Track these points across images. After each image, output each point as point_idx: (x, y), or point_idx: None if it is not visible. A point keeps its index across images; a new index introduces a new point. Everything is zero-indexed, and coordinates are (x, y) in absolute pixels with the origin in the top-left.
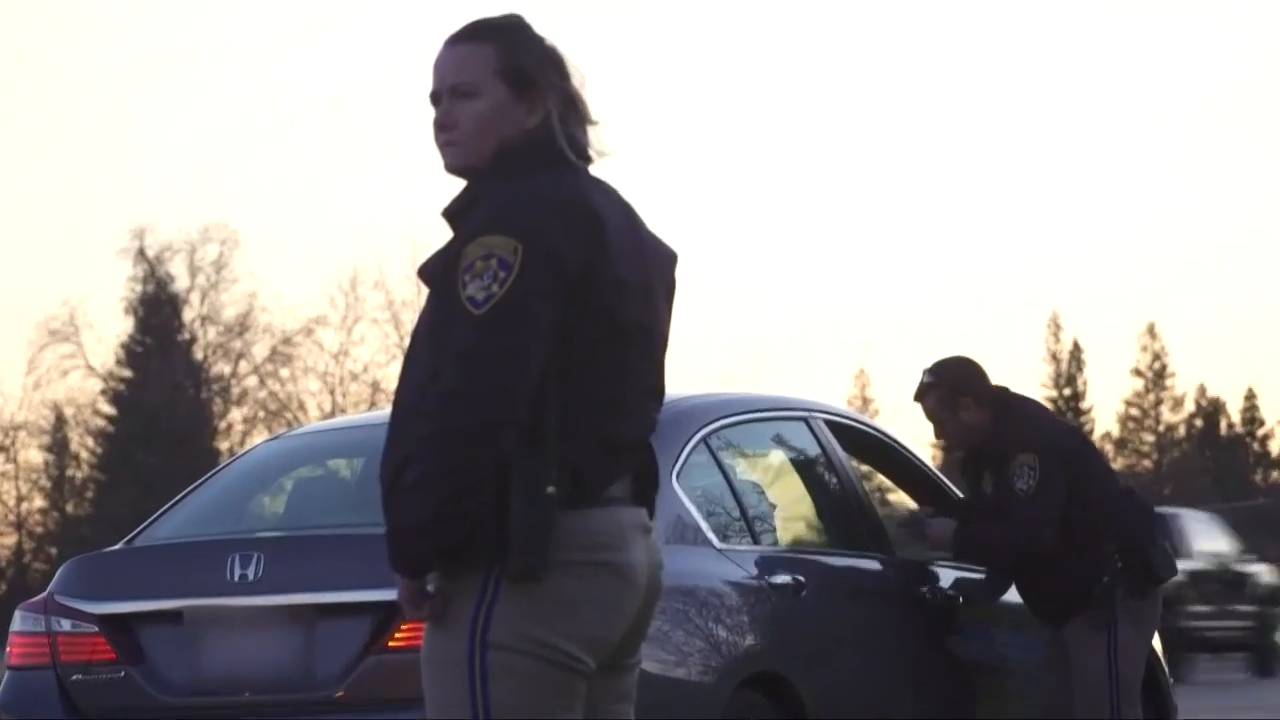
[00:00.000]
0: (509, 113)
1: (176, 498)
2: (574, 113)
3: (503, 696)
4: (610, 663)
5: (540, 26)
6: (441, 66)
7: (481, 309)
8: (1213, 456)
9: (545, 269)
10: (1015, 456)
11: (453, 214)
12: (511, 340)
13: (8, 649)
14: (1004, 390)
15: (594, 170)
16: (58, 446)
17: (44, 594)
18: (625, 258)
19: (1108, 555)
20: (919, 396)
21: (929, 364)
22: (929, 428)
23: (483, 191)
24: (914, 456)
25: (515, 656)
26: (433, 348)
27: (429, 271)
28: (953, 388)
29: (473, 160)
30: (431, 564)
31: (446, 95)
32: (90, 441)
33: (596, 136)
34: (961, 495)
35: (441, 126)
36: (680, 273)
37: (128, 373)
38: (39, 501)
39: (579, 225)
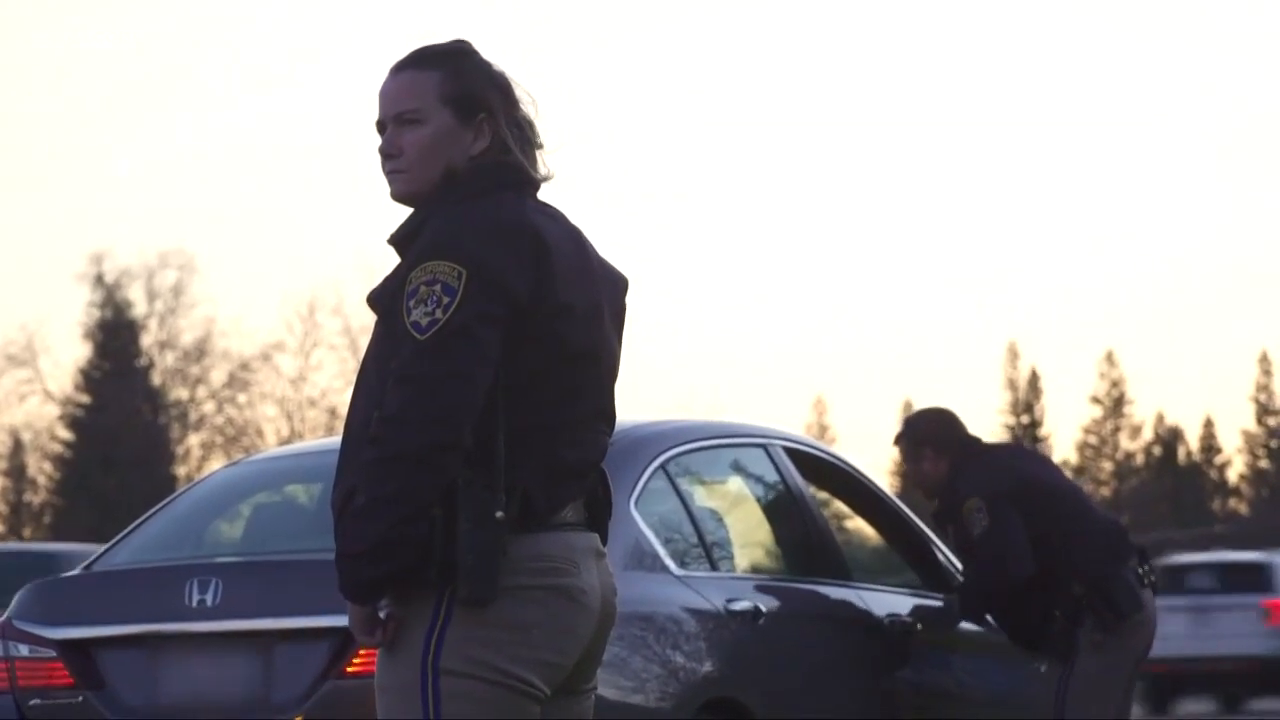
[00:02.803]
0: (454, 139)
1: (135, 523)
2: (521, 137)
3: None
4: (566, 688)
5: (491, 49)
6: (386, 94)
7: (425, 334)
8: (1171, 484)
9: (489, 294)
10: (964, 505)
11: (399, 240)
12: (455, 365)
13: None
14: (974, 442)
15: (542, 195)
16: (15, 472)
17: (1, 619)
18: (572, 282)
19: (1071, 594)
20: (895, 442)
21: (910, 413)
22: (886, 455)
23: (428, 217)
24: (872, 484)
25: (468, 681)
26: (380, 374)
27: (377, 298)
28: (915, 438)
29: (418, 187)
30: (381, 590)
31: (391, 123)
32: (48, 466)
33: (544, 161)
34: (922, 528)
35: (387, 155)
36: (632, 298)
37: (85, 398)
38: None
39: (524, 250)
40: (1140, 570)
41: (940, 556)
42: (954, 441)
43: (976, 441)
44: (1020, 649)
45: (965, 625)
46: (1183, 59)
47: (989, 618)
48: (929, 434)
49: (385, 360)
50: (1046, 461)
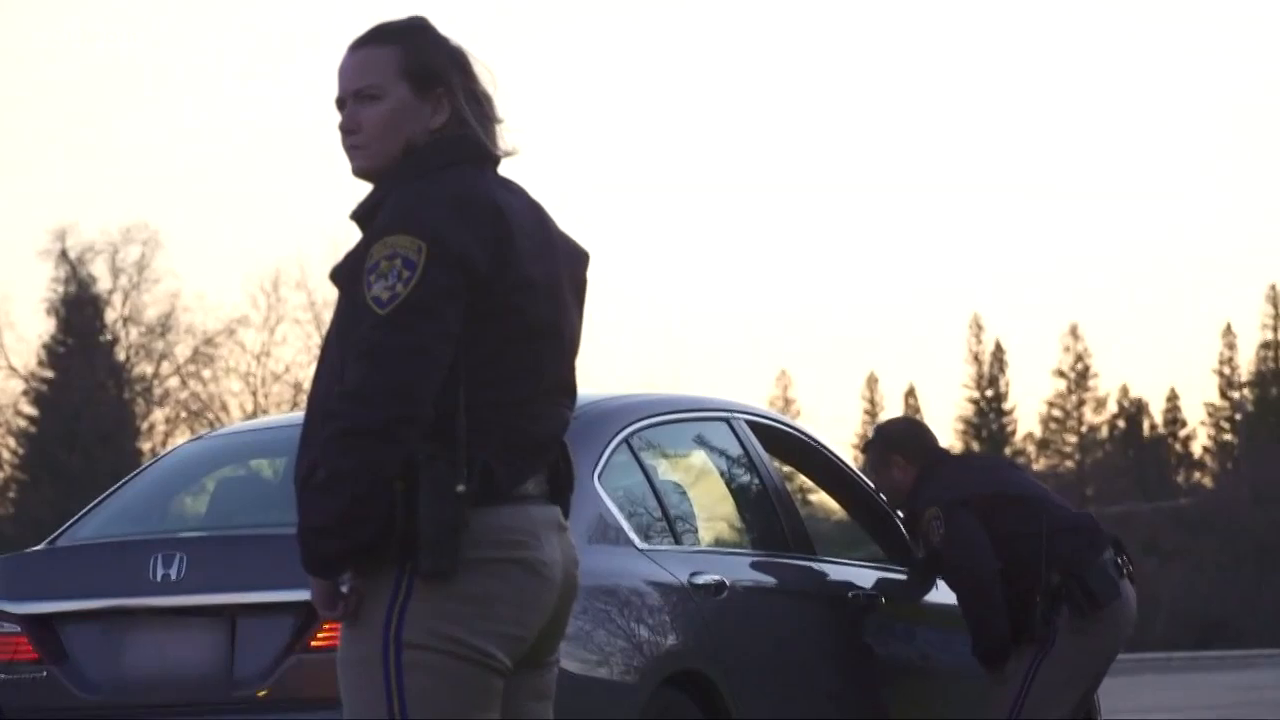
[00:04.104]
0: (413, 114)
1: (99, 498)
2: (480, 111)
3: (418, 695)
4: (529, 661)
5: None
6: (345, 71)
7: (385, 309)
8: (1135, 457)
9: (450, 269)
10: (922, 515)
11: (361, 216)
12: (415, 339)
13: None
14: (943, 453)
15: (503, 170)
16: None
17: None
18: (533, 256)
19: (1049, 583)
20: (862, 450)
21: (881, 421)
22: (850, 428)
23: (389, 193)
24: (836, 457)
25: (430, 655)
26: (343, 349)
27: (339, 274)
28: (885, 445)
29: (379, 162)
30: (342, 564)
31: (351, 99)
32: (12, 442)
33: (505, 136)
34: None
35: (347, 131)
36: (594, 272)
37: (49, 373)
38: None
39: (484, 225)
40: (1119, 560)
41: (904, 529)
42: (923, 451)
43: (945, 453)
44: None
45: (931, 598)
46: (1142, 35)
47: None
48: (899, 441)
49: (348, 335)
50: (1016, 466)
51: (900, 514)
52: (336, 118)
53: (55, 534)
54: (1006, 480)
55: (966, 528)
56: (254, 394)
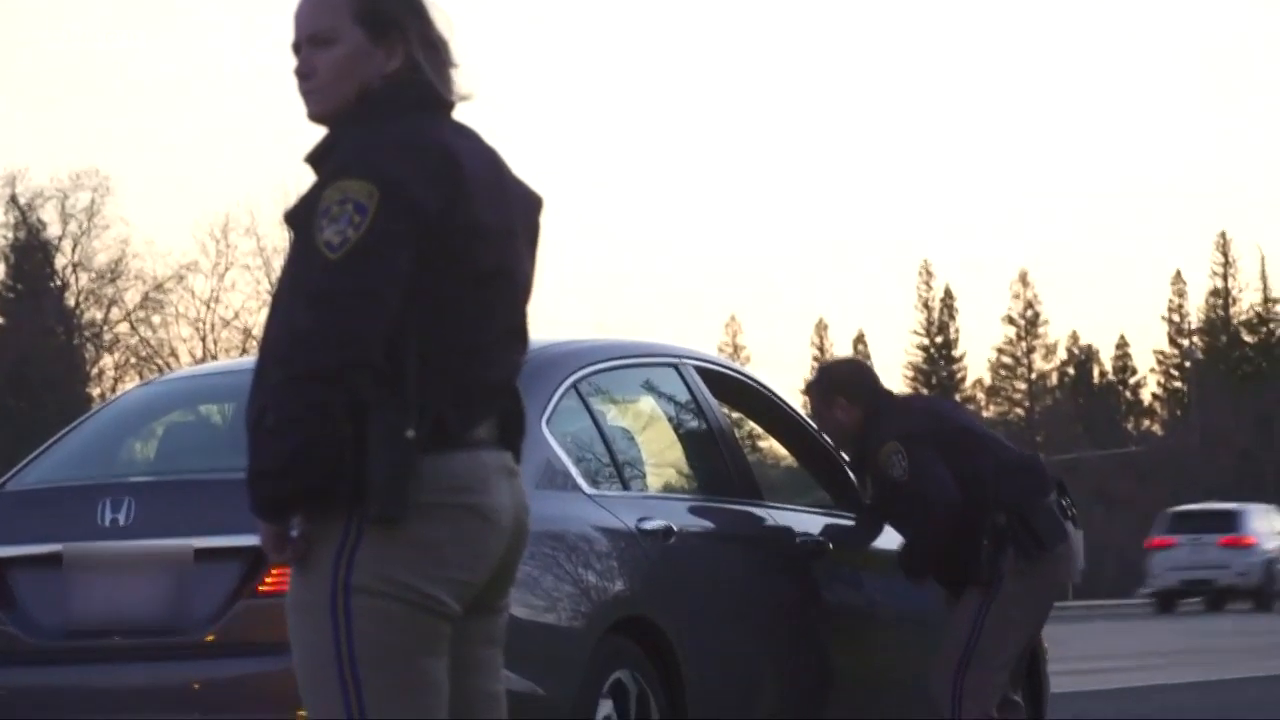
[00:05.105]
0: (367, 58)
1: (47, 443)
2: (435, 56)
3: (366, 639)
4: (479, 606)
5: None
6: (300, 16)
7: (337, 253)
8: (1085, 404)
9: (401, 213)
10: (880, 450)
11: (315, 159)
12: (365, 283)
13: None
14: (887, 393)
15: (457, 114)
16: None
17: None
18: (486, 202)
19: (995, 524)
20: (804, 391)
21: (824, 361)
22: (799, 374)
23: (342, 137)
24: (784, 403)
25: (378, 599)
26: (295, 293)
27: (293, 216)
28: (828, 387)
29: (333, 107)
30: (292, 508)
31: (305, 44)
32: None
33: (460, 81)
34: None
35: (301, 75)
36: (548, 218)
37: None
38: None
39: (437, 170)
40: (1062, 503)
41: (852, 476)
42: (867, 391)
43: (889, 393)
44: (941, 585)
45: (877, 544)
46: None
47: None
48: (842, 383)
49: (300, 279)
50: (960, 407)
51: (846, 456)
52: (290, 62)
53: (3, 479)
54: (957, 419)
55: (930, 460)
56: (203, 340)
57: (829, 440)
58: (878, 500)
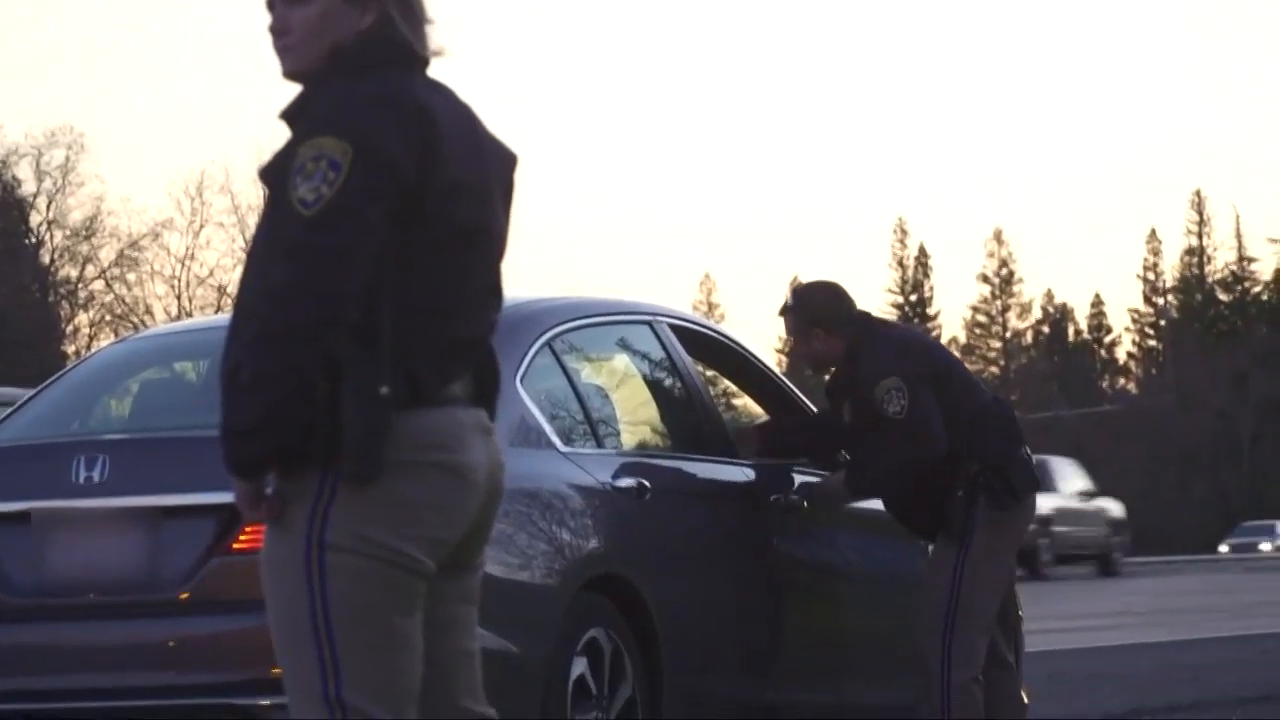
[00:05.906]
0: (341, 14)
1: (22, 400)
2: (409, 12)
3: (340, 597)
4: (454, 564)
5: None
6: None
7: (311, 209)
8: (1060, 363)
9: (376, 171)
10: (878, 384)
11: (290, 116)
12: (339, 240)
13: None
14: (865, 317)
15: (431, 71)
16: None
17: None
18: (461, 159)
19: (968, 473)
20: (781, 314)
21: (796, 284)
22: (774, 332)
23: (316, 93)
24: (759, 361)
25: (352, 557)
26: (270, 250)
27: (269, 172)
28: (805, 316)
29: (307, 64)
30: (266, 465)
31: (280, 1)
32: None
33: (434, 36)
34: (811, 406)
35: (276, 32)
36: (522, 175)
37: None
38: None
39: (412, 126)
40: (1027, 450)
41: (827, 398)
42: (845, 320)
43: (868, 317)
44: (914, 533)
45: (853, 504)
46: None
47: (880, 503)
48: (820, 313)
49: (275, 236)
50: (940, 344)
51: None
52: (265, 20)
53: None
54: (943, 358)
55: (929, 401)
56: (178, 297)
57: (805, 400)
58: (855, 427)
